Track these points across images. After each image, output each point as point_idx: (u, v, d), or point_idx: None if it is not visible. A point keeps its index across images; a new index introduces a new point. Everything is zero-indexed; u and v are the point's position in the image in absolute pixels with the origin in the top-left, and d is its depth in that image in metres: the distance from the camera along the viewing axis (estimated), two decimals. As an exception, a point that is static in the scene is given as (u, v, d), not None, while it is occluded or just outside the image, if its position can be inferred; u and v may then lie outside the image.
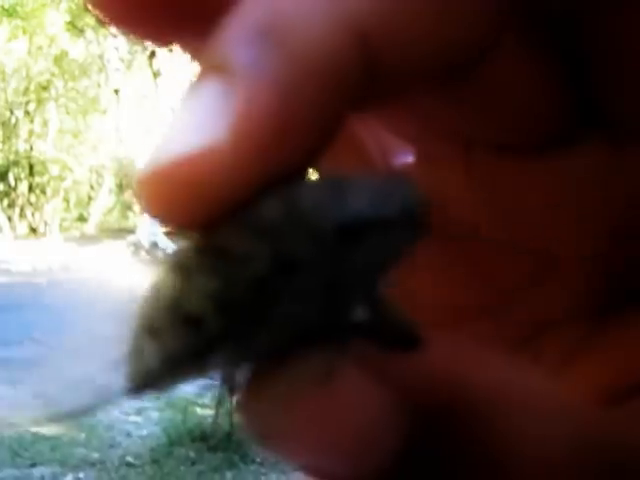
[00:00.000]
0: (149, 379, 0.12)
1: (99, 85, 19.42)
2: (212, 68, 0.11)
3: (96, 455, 4.01)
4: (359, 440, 0.11)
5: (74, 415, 0.13)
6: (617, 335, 0.16)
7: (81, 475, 3.74)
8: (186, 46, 0.15)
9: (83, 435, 4.28)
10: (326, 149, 0.11)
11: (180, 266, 0.12)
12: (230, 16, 0.11)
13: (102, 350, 0.13)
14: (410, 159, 0.17)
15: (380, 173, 0.12)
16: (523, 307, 0.17)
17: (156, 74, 19.41)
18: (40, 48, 16.77)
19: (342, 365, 0.11)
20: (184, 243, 0.12)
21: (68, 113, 18.85)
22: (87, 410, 0.13)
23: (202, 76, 0.11)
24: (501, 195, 0.16)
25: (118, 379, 0.12)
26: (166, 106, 19.26)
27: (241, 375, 0.13)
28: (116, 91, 18.73)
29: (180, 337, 0.11)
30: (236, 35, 0.11)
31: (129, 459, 3.98)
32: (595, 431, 0.13)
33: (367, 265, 0.11)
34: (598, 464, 0.13)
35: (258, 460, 4.12)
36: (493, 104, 0.14)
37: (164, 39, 0.14)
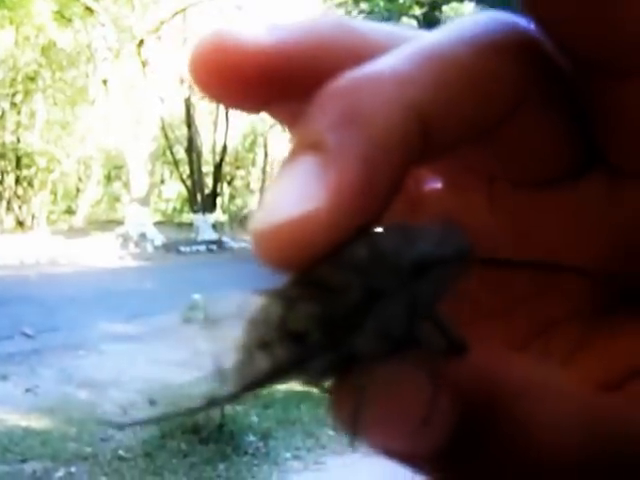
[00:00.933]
0: (257, 384, 0.15)
1: (87, 75, 19.33)
2: (308, 145, 0.14)
3: (88, 449, 4.01)
4: (422, 427, 0.14)
5: (185, 415, 0.15)
6: (611, 332, 0.19)
7: (73, 469, 3.74)
8: (274, 114, 0.19)
9: (74, 429, 4.29)
10: (393, 200, 0.15)
11: (283, 295, 0.15)
12: (320, 101, 0.15)
13: (206, 362, 0.16)
14: (439, 186, 0.21)
15: (436, 222, 0.15)
16: (530, 310, 0.20)
17: (144, 63, 19.33)
18: (27, 38, 16.67)
19: (412, 369, 0.15)
20: (282, 278, 0.15)
21: (56, 104, 18.78)
22: (196, 413, 0.16)
23: (299, 150, 0.14)
24: (517, 220, 0.19)
25: (225, 386, 0.16)
26: (155, 96, 19.20)
27: (333, 378, 0.15)
28: (104, 81, 18.65)
29: (287, 348, 0.15)
30: (327, 119, 0.14)
31: (121, 453, 3.98)
32: (601, 416, 0.16)
33: (431, 292, 0.15)
34: (605, 450, 0.16)
35: (250, 452, 4.13)
36: (513, 151, 0.18)
37: (253, 109, 0.17)
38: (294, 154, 0.14)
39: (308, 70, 0.16)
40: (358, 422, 0.14)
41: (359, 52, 0.16)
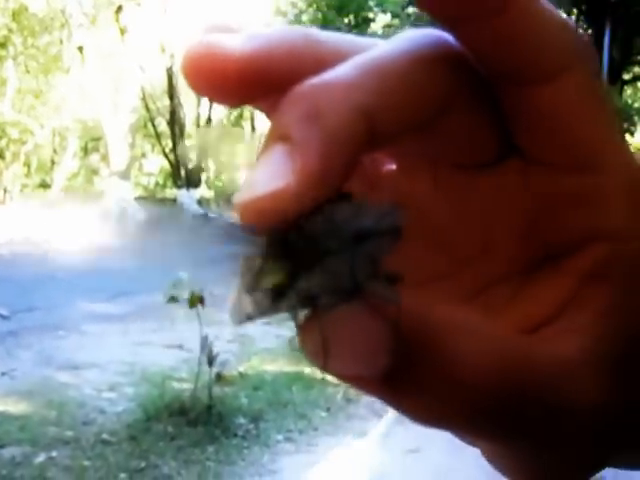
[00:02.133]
0: (247, 318, 0.21)
1: (61, 42, 19.14)
2: (279, 136, 0.20)
3: (69, 433, 4.01)
4: (369, 354, 0.20)
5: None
6: (534, 288, 0.24)
7: (54, 454, 3.73)
8: (257, 107, 0.24)
9: (54, 413, 4.29)
10: (347, 179, 0.20)
11: (260, 252, 0.20)
12: (288, 101, 0.20)
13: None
14: (393, 167, 0.26)
15: (382, 201, 0.21)
16: (472, 271, 0.25)
17: (123, 30, 19.17)
18: (-4, 2, 16.48)
19: (360, 311, 0.20)
20: (258, 238, 0.20)
21: (28, 72, 18.59)
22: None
23: (272, 140, 0.20)
24: (455, 198, 0.25)
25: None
26: (134, 65, 19.08)
27: (301, 316, 0.21)
28: (80, 48, 18.47)
29: (264, 292, 0.20)
30: (293, 116, 0.20)
31: (105, 436, 3.98)
32: (516, 352, 0.21)
33: (368, 256, 0.20)
34: (517, 382, 0.21)
35: (240, 434, 4.16)
36: (448, 140, 0.24)
37: (236, 104, 0.22)
38: (268, 142, 0.20)
39: (280, 74, 0.21)
40: (318, 352, 0.20)
41: (322, 58, 0.22)
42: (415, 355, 0.20)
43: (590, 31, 16.54)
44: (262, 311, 0.20)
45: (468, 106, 0.23)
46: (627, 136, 19.66)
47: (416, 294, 0.21)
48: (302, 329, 0.20)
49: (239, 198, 0.19)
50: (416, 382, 0.20)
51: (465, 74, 0.23)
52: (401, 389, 0.20)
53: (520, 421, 0.22)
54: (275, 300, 0.20)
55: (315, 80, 0.20)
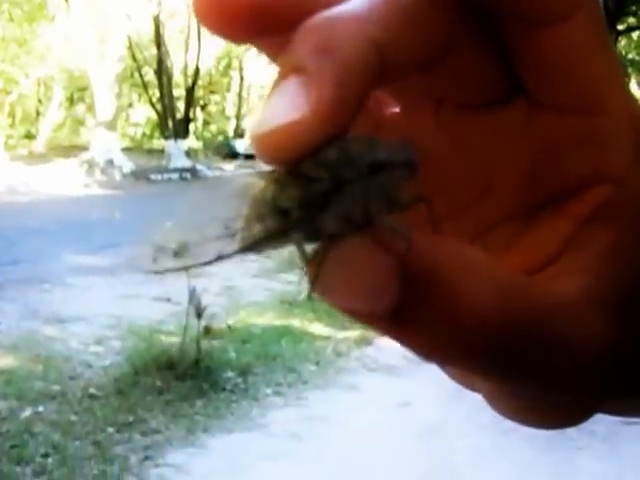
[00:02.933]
0: (255, 245, 0.21)
1: (45, -12, 18.88)
2: (293, 68, 0.20)
3: (56, 388, 4.00)
4: (375, 287, 0.20)
5: (203, 265, 0.21)
6: (535, 229, 0.25)
7: (41, 409, 3.72)
8: (259, 47, 0.24)
9: (40, 367, 4.28)
10: (359, 113, 0.21)
11: (275, 180, 0.21)
12: (301, 34, 0.20)
13: (220, 226, 0.21)
14: (397, 109, 0.26)
15: (393, 138, 0.22)
16: (473, 215, 0.26)
17: (107, -24, 18.87)
18: (-23, -53, 16.18)
19: (369, 244, 0.20)
20: (275, 168, 0.21)
21: (12, 20, 18.29)
22: (210, 263, 0.21)
23: (285, 72, 0.20)
24: (458, 136, 0.25)
25: (233, 244, 0.21)
26: (121, 13, 18.81)
27: (308, 248, 0.21)
28: (64, -5, 18.23)
29: (276, 220, 0.21)
30: (307, 48, 0.20)
31: (92, 391, 3.98)
32: (516, 291, 0.21)
33: (383, 187, 0.21)
34: (517, 321, 0.21)
35: (229, 388, 4.16)
36: (453, 78, 0.24)
37: (244, 40, 0.22)
38: (281, 75, 0.20)
39: (291, 9, 0.21)
40: (325, 283, 0.20)
41: None
42: (420, 291, 0.20)
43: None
44: (270, 236, 0.20)
45: (473, 45, 0.23)
46: None
47: (424, 234, 0.21)
48: (310, 261, 0.20)
49: (254, 130, 0.19)
50: (420, 319, 0.20)
51: (471, 14, 0.23)
52: (405, 325, 0.20)
53: (520, 360, 0.22)
54: (286, 226, 0.20)
55: (328, 13, 0.20)
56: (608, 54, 0.24)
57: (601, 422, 3.89)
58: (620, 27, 17.51)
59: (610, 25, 15.60)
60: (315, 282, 0.20)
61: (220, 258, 0.21)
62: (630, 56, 18.25)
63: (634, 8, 18.62)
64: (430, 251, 0.20)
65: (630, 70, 17.49)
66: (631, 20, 18.89)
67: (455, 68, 0.24)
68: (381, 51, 0.20)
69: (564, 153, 0.24)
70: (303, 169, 0.20)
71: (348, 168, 0.20)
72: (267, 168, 0.20)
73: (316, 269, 0.20)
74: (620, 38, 17.68)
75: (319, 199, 0.20)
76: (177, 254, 0.21)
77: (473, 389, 0.26)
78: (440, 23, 0.22)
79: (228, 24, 0.21)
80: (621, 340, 0.23)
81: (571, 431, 3.82)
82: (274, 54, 0.23)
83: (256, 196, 0.21)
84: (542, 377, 0.22)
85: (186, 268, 0.21)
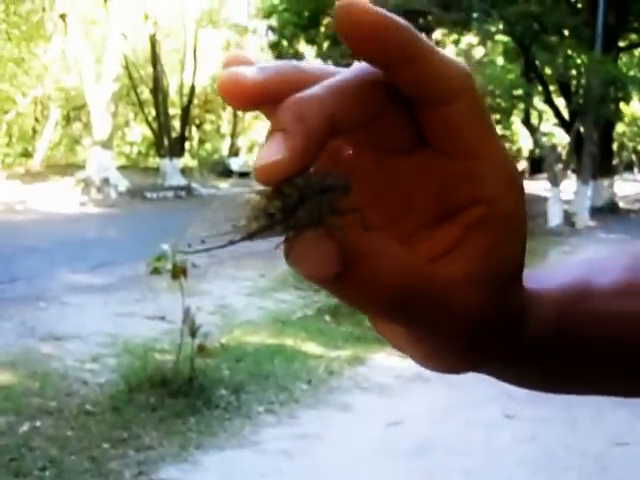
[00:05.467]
0: (253, 236, 0.31)
1: (44, 9, 18.90)
2: (279, 128, 0.30)
3: (53, 404, 4.06)
4: (324, 260, 0.30)
5: (221, 247, 0.31)
6: (438, 232, 0.35)
7: (38, 424, 3.78)
8: (262, 111, 0.34)
9: (37, 384, 4.33)
10: (319, 156, 0.31)
11: (265, 195, 0.31)
12: (284, 107, 0.31)
13: (223, 224, 0.31)
14: (350, 152, 0.37)
15: (339, 172, 0.33)
16: (403, 222, 0.37)
17: (105, -3, 18.96)
18: (-23, -33, 16.24)
19: (320, 233, 0.31)
20: (257, 189, 0.31)
21: (10, 40, 18.36)
22: (217, 248, 0.31)
23: (275, 130, 0.30)
24: (391, 170, 0.36)
25: (236, 234, 0.31)
26: (117, 32, 18.88)
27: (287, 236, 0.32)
28: (62, 16, 18.24)
29: (266, 219, 0.31)
30: (288, 117, 0.30)
31: (88, 407, 4.04)
32: (418, 271, 0.32)
33: (329, 201, 0.31)
34: (418, 292, 0.32)
35: (222, 405, 4.20)
36: (386, 132, 0.35)
37: (250, 110, 0.33)
38: (273, 130, 0.31)
39: (278, 91, 0.32)
40: (294, 257, 0.31)
41: (305, 81, 0.33)
42: (351, 264, 0.31)
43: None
44: (263, 229, 0.31)
45: (395, 113, 0.34)
46: (622, 105, 19.04)
47: (363, 233, 0.33)
48: (286, 244, 0.31)
49: (255, 164, 0.30)
50: (352, 282, 0.31)
51: (392, 92, 0.34)
52: (343, 286, 0.32)
53: (422, 317, 0.34)
54: (271, 224, 0.31)
55: (300, 95, 0.31)
56: (485, 120, 0.34)
57: (592, 443, 3.93)
58: (621, 44, 17.07)
59: (611, 41, 15.15)
60: (288, 257, 0.31)
61: (231, 243, 0.31)
62: (632, 73, 16.99)
63: (636, 25, 17.98)
64: (357, 240, 0.31)
65: (631, 88, 16.32)
66: (633, 37, 18.33)
67: (385, 126, 0.34)
68: (332, 119, 0.31)
69: (456, 184, 0.35)
70: (282, 189, 0.31)
71: (309, 189, 0.31)
72: (261, 187, 0.31)
73: (289, 249, 0.31)
74: (621, 55, 17.15)
75: (291, 207, 0.31)
76: (203, 242, 0.31)
77: (398, 347, 0.38)
78: (372, 100, 0.33)
79: (244, 103, 0.32)
80: (490, 306, 0.35)
81: (561, 451, 3.86)
82: (268, 115, 0.34)
83: (253, 205, 0.31)
84: (433, 328, 0.34)
85: (210, 249, 0.31)
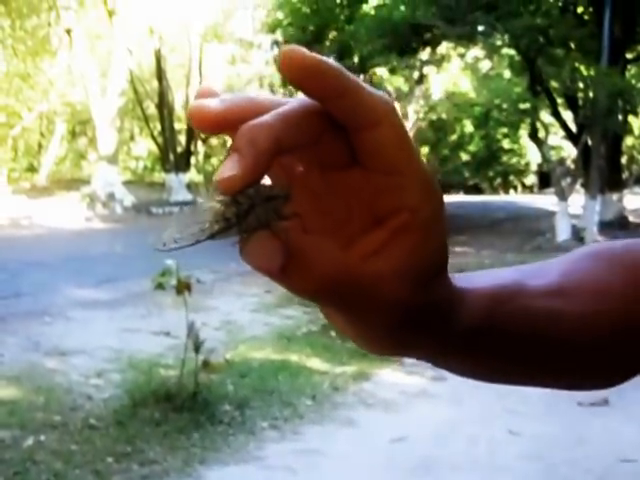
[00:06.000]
0: (213, 236, 0.37)
1: (49, 24, 19.01)
2: (235, 149, 0.36)
3: (57, 418, 4.10)
4: (271, 256, 0.37)
5: (181, 248, 0.37)
6: (370, 235, 0.41)
7: (42, 438, 3.82)
8: (225, 134, 0.39)
9: (42, 398, 4.36)
10: (267, 172, 0.37)
11: (224, 203, 0.37)
12: (240, 133, 0.37)
13: (193, 226, 0.37)
14: (300, 168, 0.42)
15: (283, 184, 0.40)
16: (345, 227, 0.42)
17: (111, 13, 19.06)
18: (-17, -17, 16.36)
19: (267, 233, 0.37)
20: (213, 196, 0.37)
21: (16, 55, 18.48)
22: (186, 246, 0.37)
23: (232, 151, 0.36)
24: (332, 183, 0.42)
25: (201, 235, 0.36)
26: (122, 47, 18.98)
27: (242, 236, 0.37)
28: (68, 31, 18.34)
29: (224, 222, 0.37)
30: (242, 141, 0.36)
31: (92, 421, 4.07)
32: (350, 267, 0.39)
33: (273, 208, 0.37)
34: (349, 284, 0.39)
35: (226, 421, 4.22)
36: (327, 151, 0.40)
37: (215, 134, 0.39)
38: (231, 150, 0.36)
39: (236, 119, 0.37)
40: (246, 254, 0.37)
41: (259, 110, 0.38)
42: (292, 260, 0.37)
43: (591, 9, 16.24)
44: (222, 231, 0.37)
45: (332, 136, 0.40)
46: (630, 117, 18.75)
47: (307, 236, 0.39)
48: (241, 243, 0.37)
49: (215, 178, 0.36)
50: (293, 274, 0.38)
51: (329, 120, 0.40)
52: (286, 278, 0.38)
53: (353, 305, 0.40)
54: (228, 227, 0.37)
55: (253, 122, 0.37)
56: (407, 142, 0.40)
57: (597, 460, 3.92)
58: (629, 56, 16.81)
59: (618, 53, 14.98)
60: (242, 253, 0.37)
61: (197, 242, 0.37)
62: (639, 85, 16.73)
63: (644, 37, 18.06)
64: (297, 239, 0.38)
65: (638, 100, 16.02)
66: (641, 48, 17.92)
67: (326, 147, 0.40)
68: (279, 142, 0.37)
69: (383, 194, 0.40)
70: (237, 198, 0.36)
71: (258, 198, 0.37)
72: (220, 196, 0.37)
73: (243, 247, 0.37)
74: (629, 67, 16.90)
75: (244, 213, 0.37)
76: (175, 242, 0.37)
77: (331, 319, 0.44)
78: (312, 126, 0.39)
79: (208, 128, 0.38)
80: (415, 298, 0.41)
81: (566, 468, 3.86)
82: (230, 136, 0.39)
83: (215, 211, 0.37)
84: (364, 315, 0.41)
85: (182, 247, 0.37)
